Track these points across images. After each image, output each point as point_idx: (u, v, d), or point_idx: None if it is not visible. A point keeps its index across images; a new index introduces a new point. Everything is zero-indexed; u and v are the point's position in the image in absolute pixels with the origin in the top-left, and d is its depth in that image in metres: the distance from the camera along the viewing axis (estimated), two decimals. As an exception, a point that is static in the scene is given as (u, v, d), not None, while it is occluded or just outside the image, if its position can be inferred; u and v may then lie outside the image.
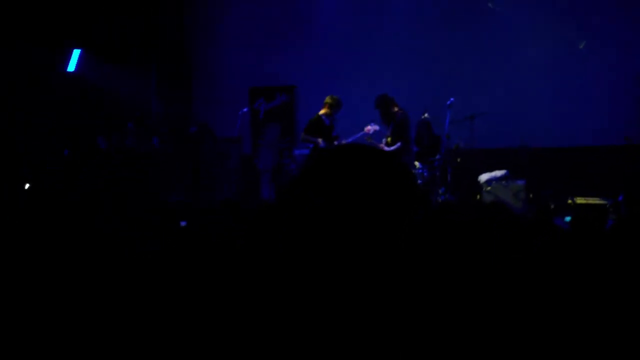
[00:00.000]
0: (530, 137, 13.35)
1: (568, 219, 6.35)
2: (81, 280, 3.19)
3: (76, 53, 14.36)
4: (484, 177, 12.42)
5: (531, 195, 12.30)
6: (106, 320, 2.72)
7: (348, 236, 1.72)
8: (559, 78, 13.70)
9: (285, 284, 1.77)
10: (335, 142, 12.25)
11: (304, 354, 1.72)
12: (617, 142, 12.73)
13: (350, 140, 12.30)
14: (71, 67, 14.39)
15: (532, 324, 2.27)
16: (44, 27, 13.57)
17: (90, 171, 12.80)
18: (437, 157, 12.38)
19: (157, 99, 16.15)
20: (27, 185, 11.64)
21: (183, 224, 4.90)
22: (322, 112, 12.40)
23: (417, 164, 12.12)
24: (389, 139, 11.98)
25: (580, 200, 11.72)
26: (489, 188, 12.22)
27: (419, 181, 11.91)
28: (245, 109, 14.98)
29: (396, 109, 11.98)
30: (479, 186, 12.38)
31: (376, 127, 12.19)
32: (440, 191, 12.12)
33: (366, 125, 12.19)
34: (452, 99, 12.59)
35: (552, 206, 11.42)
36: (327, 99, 12.40)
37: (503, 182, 12.26)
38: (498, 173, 12.42)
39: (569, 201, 11.69)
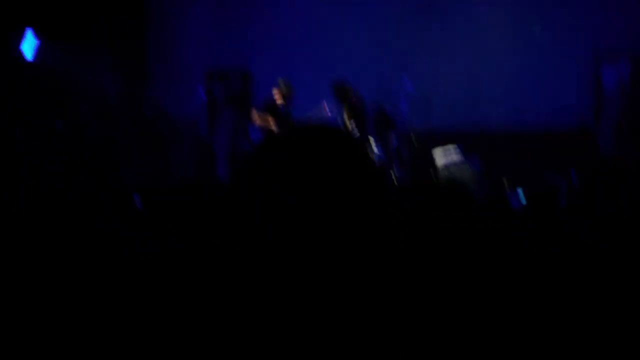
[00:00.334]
0: (485, 121, 13.45)
1: (520, 190, 6.39)
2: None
3: (31, 37, 14.02)
4: (438, 155, 12.46)
5: (486, 177, 12.40)
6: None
7: (307, 222, 1.70)
8: (519, 64, 13.78)
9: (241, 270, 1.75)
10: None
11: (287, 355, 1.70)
12: (570, 126, 12.89)
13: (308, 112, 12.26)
14: (28, 53, 14.06)
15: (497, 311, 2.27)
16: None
17: (48, 154, 12.66)
18: (393, 137, 12.40)
19: (112, 80, 15.96)
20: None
21: (135, 197, 4.87)
22: (275, 96, 12.29)
23: (373, 143, 12.12)
24: (348, 123, 11.96)
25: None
26: (445, 170, 12.29)
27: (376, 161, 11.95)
28: (201, 91, 14.89)
29: (351, 94, 11.97)
30: (434, 167, 12.46)
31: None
32: (395, 172, 12.15)
33: (323, 101, 12.20)
34: (405, 78, 12.62)
35: (507, 187, 11.52)
36: (280, 82, 12.27)
37: (460, 164, 12.35)
38: (451, 147, 12.49)
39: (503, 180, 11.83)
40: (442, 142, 12.92)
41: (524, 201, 6.67)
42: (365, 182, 1.77)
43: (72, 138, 13.74)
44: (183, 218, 3.55)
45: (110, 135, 14.18)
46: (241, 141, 14.35)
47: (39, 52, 14.10)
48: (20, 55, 13.96)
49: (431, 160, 12.56)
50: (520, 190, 6.78)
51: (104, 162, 13.30)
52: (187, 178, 14.02)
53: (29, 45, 13.97)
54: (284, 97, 12.24)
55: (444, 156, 12.43)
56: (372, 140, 12.18)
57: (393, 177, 12.09)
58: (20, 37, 14.02)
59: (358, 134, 11.69)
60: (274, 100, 12.28)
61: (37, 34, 14.12)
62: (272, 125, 12.04)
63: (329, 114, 12.15)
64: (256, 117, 12.30)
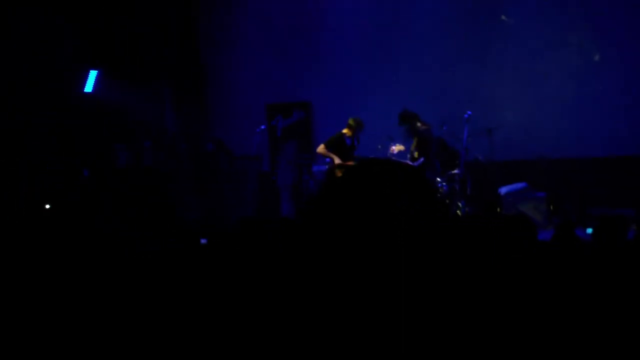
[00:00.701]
0: (548, 149, 13.29)
1: (590, 230, 6.31)
2: (81, 280, 3.19)
3: (93, 74, 14.41)
4: (503, 190, 12.38)
5: (552, 207, 12.23)
6: (106, 319, 2.71)
7: (372, 250, 1.71)
8: (575, 88, 13.60)
9: (309, 301, 1.76)
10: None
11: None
12: (636, 151, 12.65)
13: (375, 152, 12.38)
14: (88, 87, 14.42)
15: (557, 334, 2.24)
16: (59, 46, 13.63)
17: (110, 189, 12.86)
18: (457, 171, 12.37)
19: (173, 117, 16.20)
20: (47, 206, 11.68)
21: (203, 242, 4.88)
22: (344, 130, 12.47)
23: (437, 178, 12.11)
24: (415, 154, 11.98)
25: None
26: (509, 200, 12.18)
27: (439, 195, 11.88)
28: (262, 127, 15.01)
29: (419, 124, 11.97)
30: (499, 199, 12.33)
31: (402, 148, 12.24)
32: (460, 204, 12.08)
33: (390, 145, 12.27)
34: (469, 112, 12.61)
35: (573, 218, 11.35)
36: (350, 121, 12.48)
37: (523, 194, 12.22)
38: (518, 186, 12.38)
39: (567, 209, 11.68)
40: (505, 172, 12.81)
41: (589, 230, 6.58)
42: (431, 214, 1.78)
43: (134, 171, 13.97)
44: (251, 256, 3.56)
45: (171, 169, 14.35)
46: (304, 176, 14.41)
47: (101, 86, 14.42)
48: (83, 91, 14.33)
49: (496, 192, 12.46)
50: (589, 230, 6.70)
51: (165, 196, 13.45)
52: (251, 214, 14.08)
53: (90, 80, 14.34)
54: (353, 134, 12.40)
55: (509, 190, 12.33)
56: (437, 171, 12.15)
57: (457, 208, 12.01)
58: (85, 76, 14.38)
59: (423, 164, 11.68)
60: (341, 135, 12.42)
61: (101, 71, 14.46)
62: (337, 160, 12.20)
63: (396, 155, 12.20)
64: (323, 152, 12.47)
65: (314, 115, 15.53)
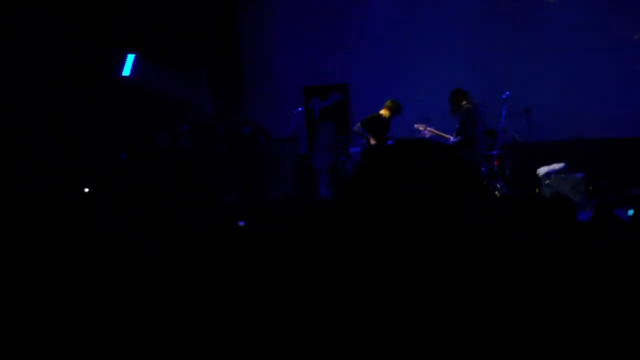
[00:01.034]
0: (587, 128, 13.16)
1: (631, 212, 6.23)
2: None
3: (130, 58, 14.48)
4: (542, 171, 12.28)
5: (591, 188, 12.11)
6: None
7: (410, 233, 1.70)
8: (614, 67, 13.46)
9: (346, 282, 1.76)
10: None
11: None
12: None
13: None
14: (126, 71, 14.51)
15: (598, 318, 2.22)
16: (96, 30, 13.69)
17: (150, 171, 12.96)
18: (495, 151, 12.29)
19: (210, 100, 16.25)
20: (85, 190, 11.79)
21: (241, 224, 4.90)
22: (382, 112, 12.44)
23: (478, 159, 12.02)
24: (455, 133, 11.95)
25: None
26: (547, 181, 12.08)
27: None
28: (300, 109, 15.02)
29: (464, 102, 11.87)
30: (537, 180, 12.24)
31: (421, 127, 12.22)
32: (498, 185, 12.01)
33: (419, 124, 12.24)
34: (507, 92, 12.51)
35: (613, 199, 11.23)
36: (389, 103, 12.44)
37: (562, 175, 12.11)
38: (556, 166, 12.27)
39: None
40: (543, 153, 12.70)
41: (631, 211, 6.50)
42: (468, 194, 1.77)
43: (174, 156, 14.05)
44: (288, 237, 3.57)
45: (208, 152, 14.42)
46: (341, 157, 14.40)
47: (139, 71, 14.49)
48: (120, 72, 14.41)
49: (534, 173, 12.36)
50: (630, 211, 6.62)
51: (205, 181, 13.52)
52: (289, 196, 14.13)
53: (128, 64, 14.42)
54: (391, 115, 12.37)
55: (548, 170, 12.22)
56: (480, 151, 12.04)
57: (496, 189, 11.94)
58: (123, 60, 14.46)
59: (459, 143, 11.62)
60: (379, 116, 12.41)
61: (138, 55, 14.53)
62: (372, 141, 12.19)
63: (426, 135, 12.16)
64: (359, 130, 12.49)
65: (351, 97, 15.48)
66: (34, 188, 11.83)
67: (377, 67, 15.12)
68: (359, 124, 12.56)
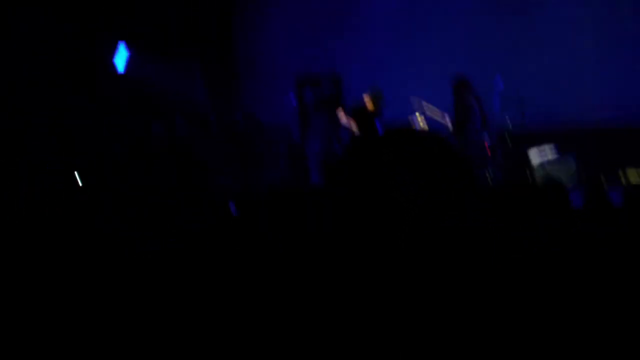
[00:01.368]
0: (579, 111, 13.23)
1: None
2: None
3: (123, 50, 14.38)
4: (533, 153, 12.32)
5: (581, 167, 12.16)
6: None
7: (395, 221, 1.69)
8: (614, 66, 13.47)
9: (331, 269, 1.75)
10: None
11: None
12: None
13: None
14: (120, 67, 14.42)
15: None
16: (96, 30, 13.66)
17: (147, 163, 12.95)
18: (486, 136, 12.30)
19: (203, 88, 16.22)
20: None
21: (231, 205, 4.92)
22: (365, 101, 12.51)
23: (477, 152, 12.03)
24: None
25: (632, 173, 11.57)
26: (538, 164, 12.16)
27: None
28: (292, 97, 15.02)
29: (465, 95, 11.91)
30: (528, 161, 12.30)
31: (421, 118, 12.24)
32: (490, 172, 12.01)
33: (411, 115, 12.26)
34: (498, 77, 12.54)
35: (605, 179, 11.24)
36: (369, 91, 12.47)
37: (552, 155, 12.19)
38: (546, 147, 12.31)
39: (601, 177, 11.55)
40: (536, 140, 12.72)
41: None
42: (459, 182, 1.76)
43: (167, 143, 14.03)
44: (279, 222, 3.57)
45: (202, 141, 14.40)
46: (334, 146, 14.42)
47: (131, 64, 14.43)
48: (114, 67, 14.33)
49: (526, 159, 12.39)
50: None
51: (196, 167, 13.52)
52: (281, 183, 14.14)
53: (121, 58, 14.34)
54: (373, 103, 12.37)
55: (539, 155, 12.26)
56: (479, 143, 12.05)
57: (488, 177, 11.94)
58: (114, 50, 14.38)
59: (454, 133, 11.65)
60: (363, 105, 12.45)
61: (130, 47, 14.46)
62: (355, 129, 12.26)
63: (420, 125, 12.16)
64: (343, 119, 12.55)
65: (344, 86, 15.49)
66: (34, 188, 11.80)
67: (371, 57, 15.13)
68: (342, 114, 12.66)
